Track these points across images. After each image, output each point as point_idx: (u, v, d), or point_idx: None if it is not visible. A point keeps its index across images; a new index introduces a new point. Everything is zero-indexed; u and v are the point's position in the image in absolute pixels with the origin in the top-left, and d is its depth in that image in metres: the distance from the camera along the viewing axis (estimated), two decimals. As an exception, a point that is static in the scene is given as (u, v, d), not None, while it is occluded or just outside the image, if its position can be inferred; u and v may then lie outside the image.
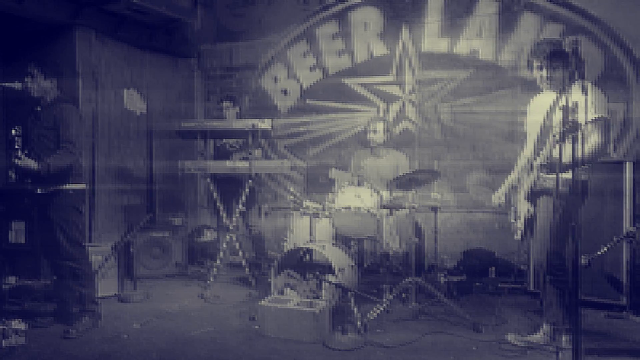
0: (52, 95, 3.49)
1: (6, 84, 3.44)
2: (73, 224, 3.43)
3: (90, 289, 3.55)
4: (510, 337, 3.11)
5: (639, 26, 4.59)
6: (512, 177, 3.23)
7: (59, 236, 3.40)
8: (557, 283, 2.88)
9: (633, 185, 3.62)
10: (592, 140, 2.74)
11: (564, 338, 2.84)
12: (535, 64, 2.96)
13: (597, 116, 2.77)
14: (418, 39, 5.39)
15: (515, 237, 3.14)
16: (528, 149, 3.14)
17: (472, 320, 3.41)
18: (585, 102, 2.39)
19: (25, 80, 3.39)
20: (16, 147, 3.22)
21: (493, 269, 4.37)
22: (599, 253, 3.46)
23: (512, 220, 3.18)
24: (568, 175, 2.60)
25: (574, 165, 2.38)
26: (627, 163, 3.67)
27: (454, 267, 4.57)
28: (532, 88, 4.86)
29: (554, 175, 2.46)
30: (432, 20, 5.33)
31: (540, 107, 3.05)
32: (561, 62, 2.85)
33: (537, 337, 3.06)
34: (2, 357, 3.05)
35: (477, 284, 4.27)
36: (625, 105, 4.65)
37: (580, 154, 2.41)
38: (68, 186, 3.44)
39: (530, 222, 2.99)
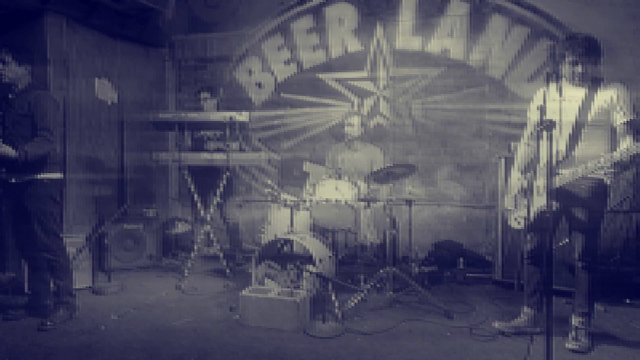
0: (24, 82, 3.39)
1: (-25, 69, 3.32)
2: (50, 215, 3.36)
3: (66, 280, 3.50)
4: (497, 325, 3.27)
5: (598, 31, 4.86)
6: (513, 177, 3.30)
7: (36, 227, 3.32)
8: (592, 272, 3.01)
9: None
10: (627, 141, 2.79)
11: (577, 319, 3.02)
12: (569, 57, 2.86)
13: (630, 118, 2.82)
14: (392, 37, 5.52)
15: (514, 224, 3.28)
16: (525, 135, 3.25)
17: (444, 308, 3.57)
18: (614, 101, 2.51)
19: None
20: None
21: (462, 259, 4.56)
22: (561, 244, 3.71)
23: (510, 208, 3.27)
24: (596, 175, 2.84)
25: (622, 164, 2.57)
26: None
27: (425, 258, 4.75)
28: (499, 87, 5.16)
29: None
30: (406, 18, 5.48)
31: (556, 99, 3.00)
32: (595, 58, 2.84)
33: (521, 321, 3.24)
34: (-24, 350, 2.98)
35: (447, 274, 4.46)
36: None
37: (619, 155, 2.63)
38: (44, 175, 3.37)
39: (543, 215, 2.98)
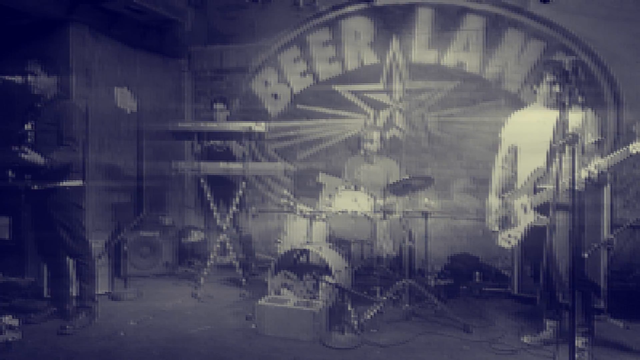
0: (52, 91, 3.48)
1: (6, 77, 3.41)
2: (75, 221, 3.43)
3: (91, 285, 3.55)
4: (525, 339, 3.31)
5: (615, 46, 4.90)
6: (492, 201, 3.42)
7: (62, 234, 3.39)
8: (582, 288, 3.02)
9: (611, 196, 3.87)
10: (596, 159, 2.94)
11: (579, 340, 2.98)
12: (548, 77, 3.12)
13: (598, 138, 3.05)
14: (407, 50, 5.57)
15: (504, 244, 3.32)
16: (499, 159, 3.43)
17: (462, 322, 3.56)
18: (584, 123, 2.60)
19: (28, 78, 3.37)
20: (27, 141, 3.20)
21: (478, 273, 4.54)
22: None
23: (496, 230, 3.36)
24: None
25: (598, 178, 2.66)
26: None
27: (441, 270, 4.73)
28: (515, 100, 5.17)
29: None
30: (422, 32, 5.53)
31: (531, 121, 3.24)
32: (573, 80, 2.99)
33: (548, 334, 3.26)
34: (-2, 353, 3.02)
35: (463, 287, 4.44)
36: (602, 120, 4.93)
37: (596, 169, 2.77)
38: (66, 183, 3.43)
39: (534, 231, 3.12)
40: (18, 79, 3.40)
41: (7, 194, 4.28)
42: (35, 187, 3.39)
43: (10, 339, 3.15)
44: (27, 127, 3.27)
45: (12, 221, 4.68)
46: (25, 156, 3.16)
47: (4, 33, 4.78)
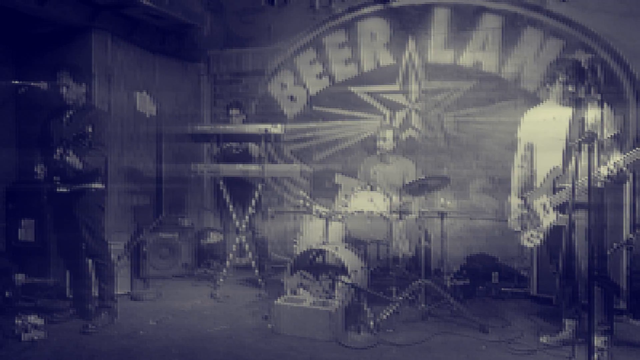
0: (83, 99, 3.61)
1: (32, 83, 3.51)
2: (98, 222, 3.54)
3: (111, 285, 3.64)
4: (544, 339, 3.29)
5: (636, 43, 4.81)
6: (513, 201, 3.40)
7: (85, 234, 3.49)
8: (604, 286, 3.01)
9: (633, 195, 3.80)
10: (616, 155, 2.93)
11: (599, 339, 2.93)
12: (561, 77, 3.11)
13: (615, 132, 3.04)
14: (424, 50, 5.56)
15: (527, 244, 3.30)
16: (518, 158, 3.42)
17: (479, 322, 3.54)
18: (602, 118, 2.59)
19: (61, 90, 3.50)
20: (83, 143, 3.33)
21: (495, 273, 4.50)
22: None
23: (518, 229, 3.34)
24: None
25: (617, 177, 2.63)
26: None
27: (458, 271, 4.69)
28: (533, 100, 5.11)
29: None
30: (438, 32, 5.51)
31: (546, 119, 3.23)
32: (588, 79, 3.04)
33: (566, 334, 3.22)
34: (23, 350, 3.12)
35: (480, 287, 4.41)
36: (623, 118, 4.85)
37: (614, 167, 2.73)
38: (93, 185, 3.54)
39: (557, 230, 3.11)
40: (43, 85, 3.50)
41: (33, 197, 4.43)
42: (63, 189, 3.50)
43: (35, 338, 3.26)
44: (55, 128, 3.36)
45: (36, 223, 4.82)
46: (69, 159, 3.28)
47: (29, 41, 4.93)
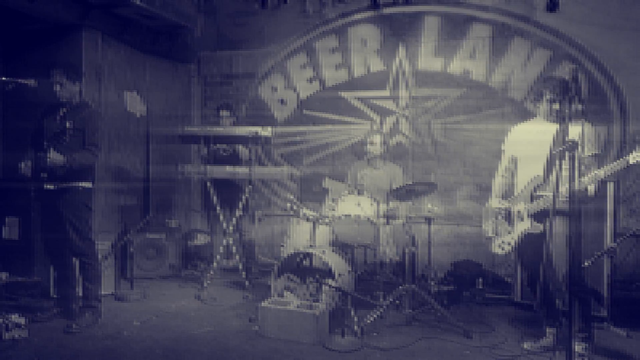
0: (77, 97, 3.60)
1: (20, 80, 3.49)
2: (84, 221, 3.51)
3: (96, 285, 3.62)
4: (526, 345, 3.33)
5: (622, 55, 4.91)
6: (490, 207, 3.47)
7: (71, 233, 3.46)
8: (581, 294, 3.05)
9: (615, 203, 3.87)
10: (593, 170, 2.98)
11: (579, 346, 2.99)
12: (547, 96, 3.15)
13: (596, 152, 3.11)
14: (414, 57, 5.61)
15: (498, 251, 3.36)
16: (501, 168, 3.49)
17: (463, 327, 3.57)
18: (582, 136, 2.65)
19: (55, 88, 3.50)
20: (63, 139, 3.34)
21: (481, 280, 4.54)
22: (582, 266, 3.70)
23: (490, 235, 3.40)
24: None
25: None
26: (609, 183, 3.90)
27: (444, 277, 4.73)
28: (520, 108, 5.19)
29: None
30: (428, 40, 5.57)
31: (531, 132, 3.30)
32: (573, 88, 3.10)
33: (548, 341, 3.27)
34: (5, 349, 3.09)
35: (466, 293, 4.44)
36: (607, 129, 4.93)
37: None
38: (80, 183, 3.51)
39: (529, 237, 3.17)
40: (31, 82, 3.48)
41: (18, 195, 4.38)
42: (50, 186, 3.47)
43: (17, 337, 3.23)
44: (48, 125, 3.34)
45: (21, 221, 4.77)
46: (49, 155, 3.27)
47: (18, 38, 4.90)
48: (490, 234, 3.41)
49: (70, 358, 3.02)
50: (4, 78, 3.52)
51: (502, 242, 3.33)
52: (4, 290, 4.08)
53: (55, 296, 3.91)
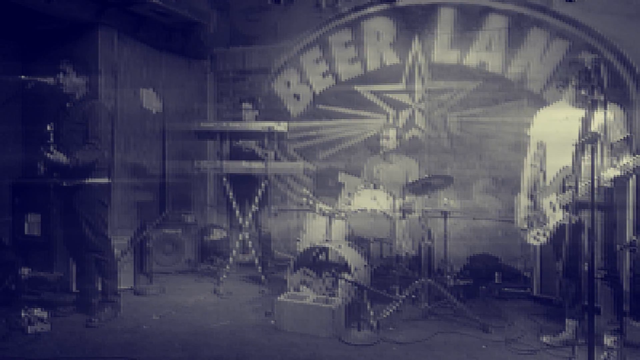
0: (82, 92, 3.62)
1: (39, 78, 3.55)
2: (99, 217, 3.55)
3: (113, 280, 3.66)
4: (545, 339, 3.29)
5: (642, 45, 4.80)
6: (522, 200, 3.40)
7: (85, 228, 3.51)
8: (613, 284, 3.04)
9: (636, 196, 3.79)
10: (626, 156, 2.93)
11: (609, 339, 2.93)
12: (574, 82, 3.10)
13: (628, 134, 3.05)
14: (429, 50, 5.56)
15: (533, 242, 3.31)
16: (529, 157, 3.41)
17: (480, 321, 3.55)
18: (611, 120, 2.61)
19: (58, 76, 3.51)
20: (48, 141, 3.33)
21: (498, 274, 4.51)
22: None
23: (524, 228, 3.34)
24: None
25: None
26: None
27: (460, 271, 4.70)
28: (537, 100, 5.11)
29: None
30: (443, 32, 5.51)
31: (558, 118, 3.22)
32: (595, 78, 3.00)
33: (567, 334, 3.24)
34: (29, 342, 3.15)
35: (482, 287, 4.41)
36: (628, 119, 4.83)
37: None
38: (93, 180, 3.56)
39: (564, 229, 3.09)
40: (50, 80, 3.54)
41: (39, 192, 4.47)
42: (64, 184, 3.53)
43: (40, 330, 3.29)
44: (49, 127, 3.38)
45: (42, 218, 4.86)
46: (50, 156, 3.30)
47: (36, 37, 4.97)
48: (524, 226, 3.36)
49: (91, 351, 3.07)
50: (23, 77, 3.58)
51: (538, 233, 3.27)
52: (26, 285, 4.17)
53: (76, 291, 3.98)
